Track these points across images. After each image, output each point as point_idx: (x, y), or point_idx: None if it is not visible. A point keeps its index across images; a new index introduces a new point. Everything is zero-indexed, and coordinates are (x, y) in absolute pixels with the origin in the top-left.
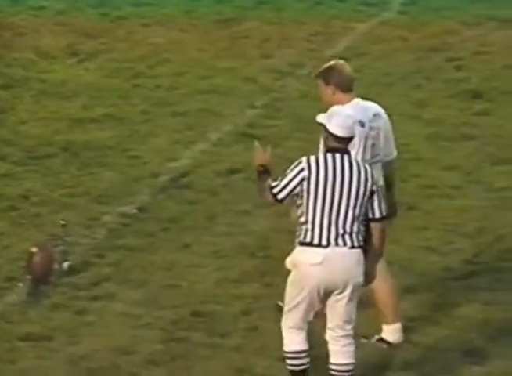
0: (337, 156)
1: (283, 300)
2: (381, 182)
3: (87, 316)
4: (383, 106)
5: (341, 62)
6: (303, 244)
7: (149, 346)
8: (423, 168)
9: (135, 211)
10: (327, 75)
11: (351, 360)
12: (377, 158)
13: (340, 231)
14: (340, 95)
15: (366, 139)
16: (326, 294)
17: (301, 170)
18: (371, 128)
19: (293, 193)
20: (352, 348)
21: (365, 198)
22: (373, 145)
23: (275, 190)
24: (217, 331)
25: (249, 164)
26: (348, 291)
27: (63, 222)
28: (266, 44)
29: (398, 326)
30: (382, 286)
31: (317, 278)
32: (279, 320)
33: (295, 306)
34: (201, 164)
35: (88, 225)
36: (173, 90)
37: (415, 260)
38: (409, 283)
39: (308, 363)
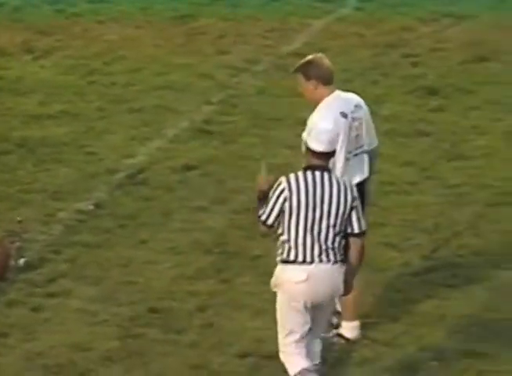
0: (317, 174)
1: (238, 296)
2: (367, 174)
3: (43, 312)
4: None
5: (320, 55)
6: (286, 262)
7: (106, 343)
8: (380, 164)
9: (91, 207)
10: (307, 70)
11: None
12: (362, 149)
13: (323, 247)
14: (322, 89)
15: (350, 130)
16: (312, 308)
17: (282, 190)
18: (353, 119)
19: (281, 214)
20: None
21: (345, 216)
22: (357, 136)
23: (263, 218)
24: (173, 328)
25: (205, 161)
26: (332, 303)
27: (19, 219)
28: (222, 40)
29: (356, 323)
30: None
31: (303, 295)
32: (235, 317)
33: (294, 327)
34: (157, 160)
35: (44, 222)
36: (129, 87)
37: (374, 256)
38: (367, 279)
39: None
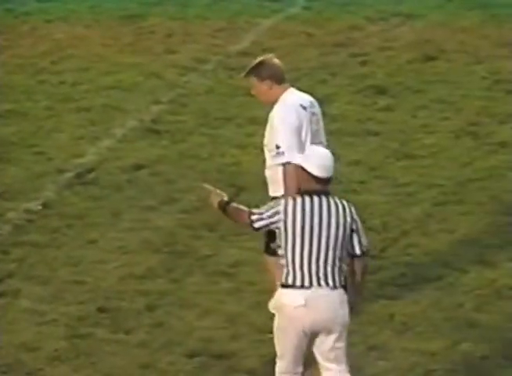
0: (315, 199)
1: (187, 296)
2: None
3: None
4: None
5: (270, 55)
6: (285, 286)
7: (54, 343)
8: None
9: (39, 207)
10: (260, 71)
11: None
12: (322, 145)
13: (322, 272)
14: (276, 88)
15: (311, 123)
16: (313, 336)
17: (277, 212)
18: (312, 114)
19: (269, 228)
20: None
21: (346, 238)
22: (316, 131)
23: (254, 217)
24: (122, 327)
25: (154, 160)
26: (335, 331)
27: None
28: (170, 39)
29: None
30: None
31: (302, 320)
32: (184, 317)
33: (286, 352)
34: (106, 160)
35: None
36: (77, 86)
37: None
38: None
39: None
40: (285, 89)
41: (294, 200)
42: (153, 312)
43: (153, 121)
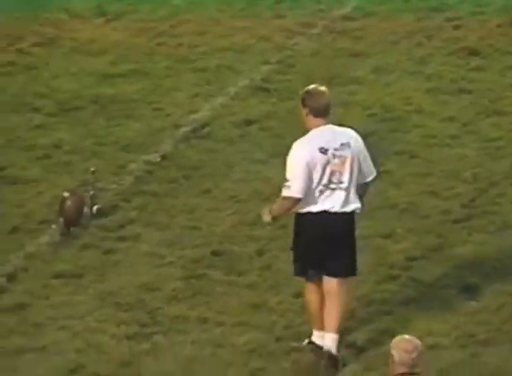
0: None
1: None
2: (358, 204)
3: (114, 255)
4: (387, 63)
5: (322, 89)
6: None
7: (172, 283)
8: (424, 120)
9: (158, 159)
10: (304, 98)
11: None
12: (340, 185)
13: None
14: (311, 119)
15: (326, 165)
16: None
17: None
18: (334, 156)
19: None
20: None
21: None
22: (333, 172)
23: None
24: (234, 270)
25: (263, 116)
26: None
27: (92, 170)
28: (279, 5)
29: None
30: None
31: None
32: (291, 260)
33: None
34: (220, 115)
35: (115, 173)
36: (194, 48)
37: (417, 204)
38: (410, 225)
39: None
40: (319, 124)
41: None
42: (262, 256)
43: (263, 80)
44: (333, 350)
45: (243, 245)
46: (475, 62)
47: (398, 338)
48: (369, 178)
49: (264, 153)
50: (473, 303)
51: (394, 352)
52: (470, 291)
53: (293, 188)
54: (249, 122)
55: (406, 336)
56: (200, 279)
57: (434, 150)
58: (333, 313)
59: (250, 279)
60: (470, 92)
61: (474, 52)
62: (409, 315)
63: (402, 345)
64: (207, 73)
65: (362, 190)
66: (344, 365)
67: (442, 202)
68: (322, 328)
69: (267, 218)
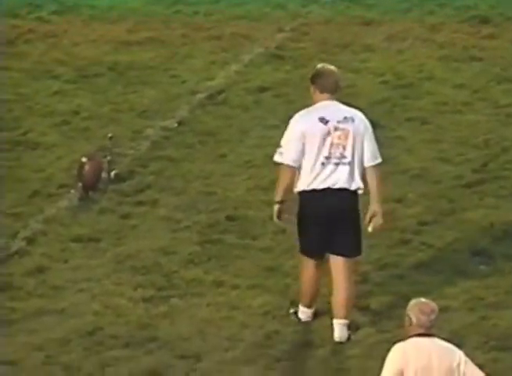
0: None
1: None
2: (360, 184)
3: (132, 219)
4: (399, 31)
5: (330, 67)
6: None
7: (188, 247)
8: (435, 87)
9: (175, 125)
10: (313, 75)
11: None
12: (343, 160)
13: None
14: (318, 95)
15: (326, 135)
16: None
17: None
18: (336, 129)
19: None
20: None
21: None
22: (333, 144)
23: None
24: (248, 234)
25: (277, 83)
26: None
27: (110, 135)
28: None
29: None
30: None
31: None
32: None
33: None
34: (235, 82)
35: (132, 138)
36: (209, 16)
37: (430, 170)
38: (422, 190)
39: None
40: (325, 98)
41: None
42: None
43: (277, 48)
44: (344, 338)
45: (257, 209)
46: (486, 30)
47: (414, 301)
48: (371, 163)
49: (278, 120)
50: (482, 267)
51: (411, 314)
52: (480, 255)
53: (286, 155)
54: (263, 89)
55: (423, 299)
56: (215, 243)
57: (445, 117)
58: (341, 300)
59: (265, 243)
60: (481, 59)
61: (485, 20)
62: (421, 279)
63: (421, 308)
64: (222, 41)
65: (374, 177)
66: (358, 328)
67: (454, 168)
68: (309, 306)
69: (275, 208)
